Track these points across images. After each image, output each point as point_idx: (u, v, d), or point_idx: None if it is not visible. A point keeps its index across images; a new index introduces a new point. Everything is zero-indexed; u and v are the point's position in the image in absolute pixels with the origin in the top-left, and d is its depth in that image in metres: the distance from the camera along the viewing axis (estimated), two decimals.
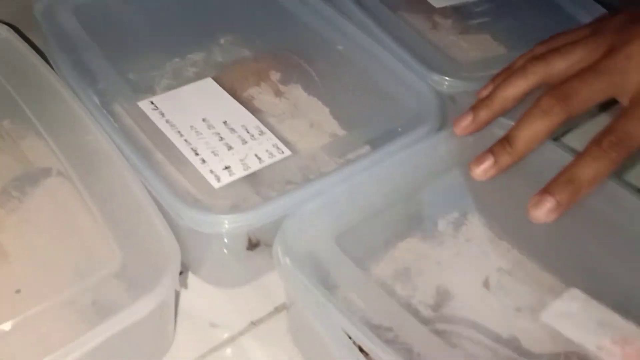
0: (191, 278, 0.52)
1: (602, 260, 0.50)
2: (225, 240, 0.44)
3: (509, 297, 0.51)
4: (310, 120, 0.60)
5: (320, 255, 0.47)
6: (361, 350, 0.46)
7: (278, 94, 0.65)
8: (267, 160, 0.47)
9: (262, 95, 0.64)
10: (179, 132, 0.48)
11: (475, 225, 0.58)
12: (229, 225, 0.41)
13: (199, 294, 0.51)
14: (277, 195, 0.43)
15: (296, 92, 0.65)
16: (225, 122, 0.50)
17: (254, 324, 0.50)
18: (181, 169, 0.45)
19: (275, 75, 0.67)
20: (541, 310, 0.51)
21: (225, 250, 0.45)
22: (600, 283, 0.50)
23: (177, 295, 0.48)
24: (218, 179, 0.45)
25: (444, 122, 0.55)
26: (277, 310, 0.51)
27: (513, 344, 0.46)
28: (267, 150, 0.47)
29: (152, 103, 0.50)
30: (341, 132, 0.56)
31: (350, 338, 0.45)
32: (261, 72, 0.68)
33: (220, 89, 0.53)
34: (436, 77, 0.56)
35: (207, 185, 0.44)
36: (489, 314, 0.48)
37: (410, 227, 0.57)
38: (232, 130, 0.49)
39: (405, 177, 0.50)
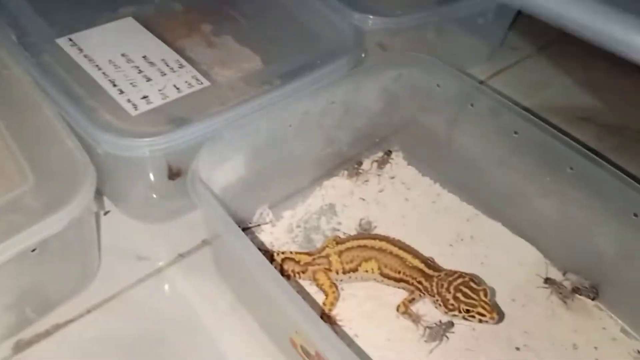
0: (118, 215, 0.52)
1: (518, 190, 0.52)
2: (145, 166, 0.44)
3: (429, 229, 0.53)
4: (240, 67, 0.61)
5: (236, 185, 0.48)
6: (282, 273, 0.48)
7: (210, 45, 0.65)
8: (186, 90, 0.47)
9: (193, 46, 0.64)
10: (97, 66, 0.48)
11: (399, 164, 0.60)
12: (144, 149, 0.42)
13: (125, 230, 0.51)
14: (194, 122, 0.44)
15: (228, 42, 0.65)
16: (144, 57, 0.50)
17: (181, 255, 0.51)
18: (99, 100, 0.45)
19: (206, 27, 0.67)
20: (459, 240, 0.53)
21: (147, 178, 0.46)
22: (518, 211, 0.53)
23: (97, 220, 0.48)
24: (136, 107, 0.45)
25: (366, 58, 0.56)
26: (205, 242, 0.52)
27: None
28: (186, 82, 0.48)
29: (70, 40, 0.50)
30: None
31: (272, 262, 0.46)
32: (192, 24, 0.68)
33: (141, 26, 0.54)
34: (359, 15, 0.58)
35: (124, 113, 0.45)
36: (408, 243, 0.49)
37: (335, 166, 0.59)
38: (152, 63, 0.49)
39: (324, 112, 0.52)
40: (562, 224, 0.49)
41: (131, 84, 0.47)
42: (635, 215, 0.44)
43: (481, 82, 0.69)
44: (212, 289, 0.48)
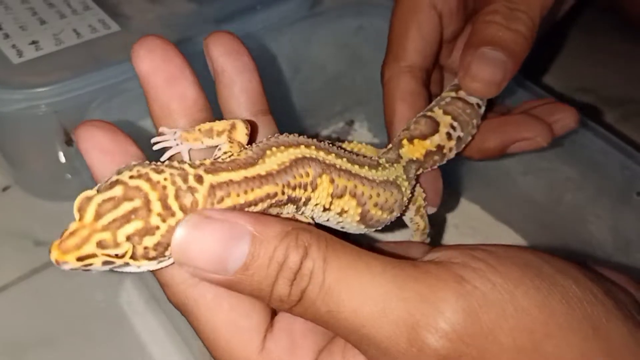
0: (19, 192, 0.43)
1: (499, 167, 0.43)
2: (30, 126, 0.36)
3: None
4: (166, 8, 0.51)
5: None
6: None
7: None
8: (88, 36, 0.39)
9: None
10: None
11: (364, 136, 0.52)
12: (23, 102, 0.33)
13: (24, 209, 0.42)
14: (90, 71, 0.35)
15: None
16: None
17: None
18: None
19: None
20: None
21: (37, 142, 0.37)
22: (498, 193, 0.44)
23: None
24: (20, 54, 0.36)
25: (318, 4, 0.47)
26: None
27: None
28: (90, 26, 0.39)
29: None
30: None
31: None
32: None
33: None
34: None
35: (5, 61, 0.36)
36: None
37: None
38: (51, 5, 0.40)
39: (264, 69, 0.42)
40: (550, 207, 0.41)
41: (21, 27, 0.38)
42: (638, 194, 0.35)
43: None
44: (128, 284, 0.40)
